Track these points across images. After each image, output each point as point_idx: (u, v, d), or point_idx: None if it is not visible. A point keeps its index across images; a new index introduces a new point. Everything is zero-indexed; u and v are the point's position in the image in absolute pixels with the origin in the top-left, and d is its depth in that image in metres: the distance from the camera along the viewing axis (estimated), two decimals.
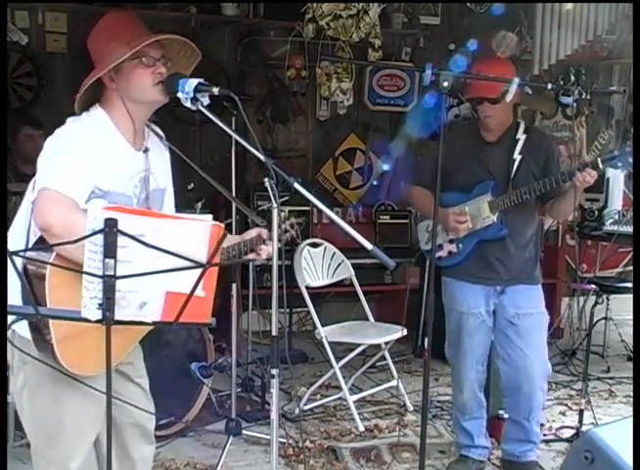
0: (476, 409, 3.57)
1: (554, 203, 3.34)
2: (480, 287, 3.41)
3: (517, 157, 3.34)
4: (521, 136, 3.36)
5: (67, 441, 2.31)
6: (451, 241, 3.47)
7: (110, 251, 1.83)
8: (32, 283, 2.04)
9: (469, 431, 3.58)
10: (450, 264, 3.49)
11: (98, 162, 2.22)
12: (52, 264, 2.00)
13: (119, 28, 2.30)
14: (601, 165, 3.07)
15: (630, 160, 3.04)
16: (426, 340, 2.89)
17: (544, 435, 3.91)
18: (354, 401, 4.21)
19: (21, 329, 2.17)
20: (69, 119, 2.28)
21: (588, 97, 6.59)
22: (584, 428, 3.81)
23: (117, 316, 1.89)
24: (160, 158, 2.46)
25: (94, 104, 2.32)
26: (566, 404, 4.48)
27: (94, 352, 2.07)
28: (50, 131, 2.30)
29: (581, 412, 3.93)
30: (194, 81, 2.20)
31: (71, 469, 2.32)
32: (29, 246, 2.19)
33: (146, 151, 2.37)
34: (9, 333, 2.22)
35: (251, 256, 2.49)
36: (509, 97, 3.17)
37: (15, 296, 2.07)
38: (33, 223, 2.19)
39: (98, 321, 1.88)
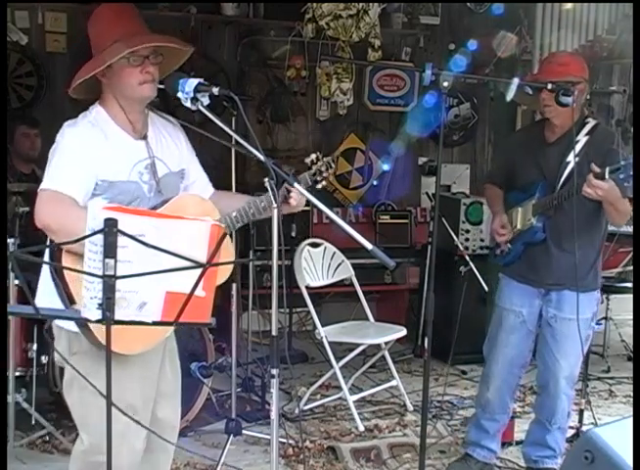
0: (498, 411, 3.54)
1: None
2: (525, 286, 3.40)
3: (571, 159, 3.21)
4: (582, 138, 3.24)
5: (119, 426, 2.30)
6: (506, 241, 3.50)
7: (110, 251, 1.83)
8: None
9: (485, 428, 3.55)
10: (502, 263, 3.52)
11: (94, 155, 2.27)
12: (51, 264, 2.00)
13: (111, 22, 2.34)
14: (607, 175, 2.95)
15: (630, 172, 2.88)
16: (426, 340, 2.88)
17: None
18: (354, 401, 4.20)
19: (65, 323, 2.23)
20: (65, 124, 2.35)
21: (588, 97, 6.57)
22: (584, 428, 3.81)
23: (117, 316, 1.89)
24: (167, 141, 2.49)
25: (92, 95, 2.39)
26: None
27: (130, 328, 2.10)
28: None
29: (581, 412, 3.93)
30: (194, 81, 2.21)
31: (123, 453, 2.32)
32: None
33: (145, 137, 2.41)
34: (55, 330, 2.33)
35: (285, 208, 2.31)
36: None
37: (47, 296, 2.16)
38: None
39: (98, 321, 1.88)
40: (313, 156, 2.51)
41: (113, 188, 2.29)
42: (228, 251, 2.36)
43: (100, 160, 2.28)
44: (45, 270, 2.30)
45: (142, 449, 2.43)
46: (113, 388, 2.10)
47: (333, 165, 2.50)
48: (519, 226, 3.41)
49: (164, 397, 2.51)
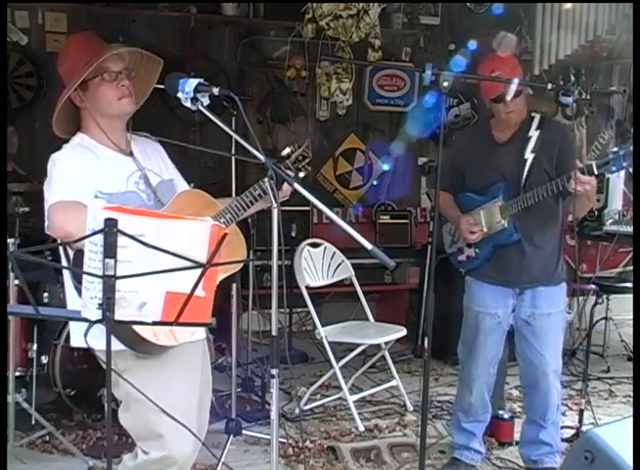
0: (481, 412, 3.55)
1: (569, 200, 3.23)
2: (498, 288, 3.37)
3: (528, 156, 3.23)
4: (533, 133, 3.25)
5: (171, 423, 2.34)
6: (469, 245, 3.44)
7: (110, 251, 1.83)
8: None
9: (469, 431, 3.56)
10: (470, 268, 3.48)
11: (89, 169, 2.33)
12: (54, 266, 2.01)
13: (79, 51, 2.44)
14: (596, 171, 2.95)
15: (624, 163, 2.89)
16: (426, 340, 2.88)
17: None
18: (354, 401, 4.20)
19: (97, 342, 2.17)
20: (52, 155, 2.39)
21: (588, 97, 6.59)
22: (584, 428, 3.81)
23: (117, 316, 1.89)
24: (151, 156, 2.55)
25: (74, 129, 2.46)
26: (566, 404, 4.47)
27: None
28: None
29: (581, 412, 3.93)
30: (194, 81, 2.21)
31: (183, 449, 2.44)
32: (71, 258, 2.26)
33: (131, 154, 2.48)
34: (101, 354, 2.29)
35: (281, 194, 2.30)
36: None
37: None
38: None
39: (98, 321, 1.88)
40: (289, 149, 2.59)
41: (114, 200, 2.31)
42: (240, 246, 2.45)
43: (96, 173, 2.34)
44: (67, 276, 2.36)
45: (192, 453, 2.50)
46: (160, 389, 2.24)
47: (309, 152, 2.60)
48: (485, 229, 3.35)
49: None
